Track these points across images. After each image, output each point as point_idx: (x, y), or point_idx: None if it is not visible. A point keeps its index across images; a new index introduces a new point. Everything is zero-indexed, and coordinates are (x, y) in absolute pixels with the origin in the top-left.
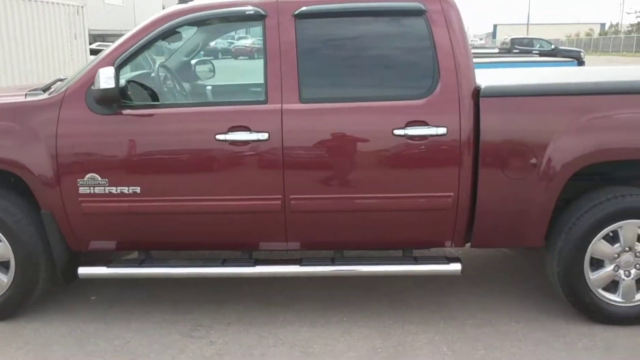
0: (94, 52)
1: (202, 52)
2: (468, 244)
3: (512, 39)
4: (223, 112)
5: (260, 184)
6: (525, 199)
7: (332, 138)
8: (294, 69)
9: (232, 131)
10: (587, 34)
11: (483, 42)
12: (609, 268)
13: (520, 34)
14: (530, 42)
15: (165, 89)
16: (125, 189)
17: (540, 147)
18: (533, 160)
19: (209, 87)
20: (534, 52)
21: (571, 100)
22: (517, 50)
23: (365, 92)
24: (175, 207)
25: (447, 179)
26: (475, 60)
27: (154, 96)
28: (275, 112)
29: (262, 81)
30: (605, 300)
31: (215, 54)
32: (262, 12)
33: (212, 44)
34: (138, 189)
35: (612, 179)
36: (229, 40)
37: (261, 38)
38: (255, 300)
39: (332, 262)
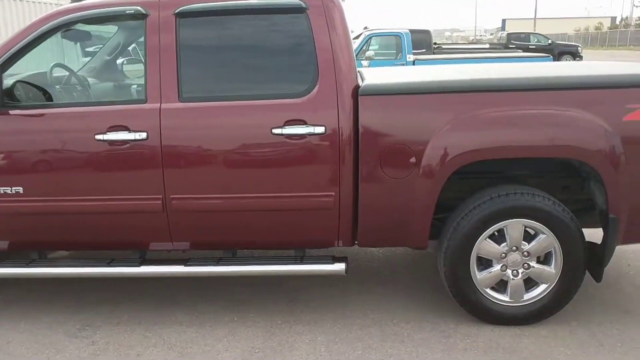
0: None
1: (98, 52)
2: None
3: (508, 34)
4: (103, 112)
5: (140, 183)
6: (407, 198)
7: (211, 137)
8: (173, 68)
9: (110, 131)
10: (597, 28)
11: (492, 37)
12: (496, 268)
13: (529, 28)
14: (527, 37)
15: (56, 89)
16: (8, 190)
17: (419, 146)
18: (412, 159)
19: (97, 87)
20: (530, 47)
21: (448, 98)
22: (513, 46)
23: (245, 91)
24: (59, 207)
25: (327, 179)
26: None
27: (42, 96)
28: (154, 112)
29: (142, 81)
30: (493, 300)
31: (113, 52)
32: (143, 11)
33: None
34: (21, 189)
35: (509, 177)
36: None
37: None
38: (155, 300)
39: (218, 262)
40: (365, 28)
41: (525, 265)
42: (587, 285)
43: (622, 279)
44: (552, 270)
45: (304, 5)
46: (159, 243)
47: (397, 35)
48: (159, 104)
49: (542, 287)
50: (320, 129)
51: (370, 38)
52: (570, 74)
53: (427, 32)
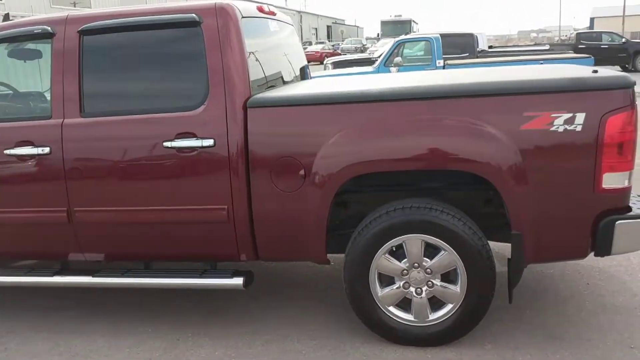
0: None
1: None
2: None
3: (578, 34)
4: (11, 128)
5: (46, 196)
6: (301, 211)
7: (109, 151)
8: (76, 84)
9: (18, 146)
10: None
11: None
12: (398, 285)
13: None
14: (599, 36)
15: None
16: None
17: (308, 159)
18: (302, 172)
19: (10, 104)
20: (601, 46)
21: (335, 110)
22: (583, 46)
23: (142, 104)
24: None
25: (219, 192)
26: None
27: None
28: (57, 127)
29: (49, 98)
30: (396, 319)
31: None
32: (50, 31)
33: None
34: None
35: (427, 190)
36: None
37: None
38: (82, 309)
39: (123, 274)
40: (378, 35)
41: (430, 283)
42: (521, 305)
43: (570, 300)
44: (457, 289)
45: (197, 19)
46: (73, 254)
47: (427, 40)
48: (62, 119)
49: (448, 307)
50: (209, 142)
51: (400, 44)
52: (470, 82)
53: (470, 36)
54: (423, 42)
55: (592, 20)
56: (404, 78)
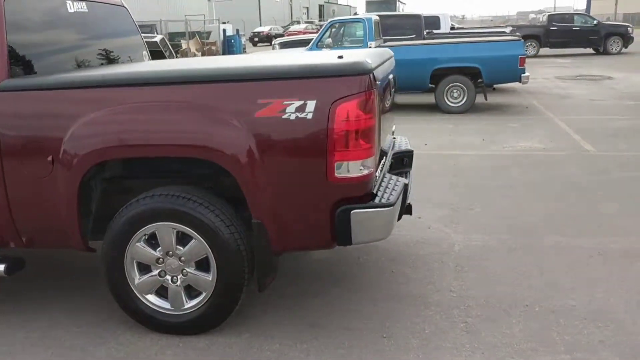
0: None
1: None
2: None
3: (550, 16)
4: None
5: None
6: (53, 198)
7: None
8: None
9: None
10: None
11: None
12: (154, 273)
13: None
14: (571, 17)
15: None
16: None
17: (54, 145)
18: (49, 158)
19: None
20: (573, 28)
21: (81, 94)
22: (554, 28)
23: None
24: None
25: None
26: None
27: None
28: None
29: None
30: (153, 307)
31: None
32: None
33: None
34: None
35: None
36: None
37: None
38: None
39: None
40: (355, 14)
41: (185, 271)
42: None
43: (360, 288)
44: (209, 278)
45: None
46: None
47: (359, 22)
48: None
49: (202, 295)
50: None
51: (332, 25)
52: (206, 67)
53: (418, 17)
54: (355, 24)
55: (588, 1)
56: (177, 63)
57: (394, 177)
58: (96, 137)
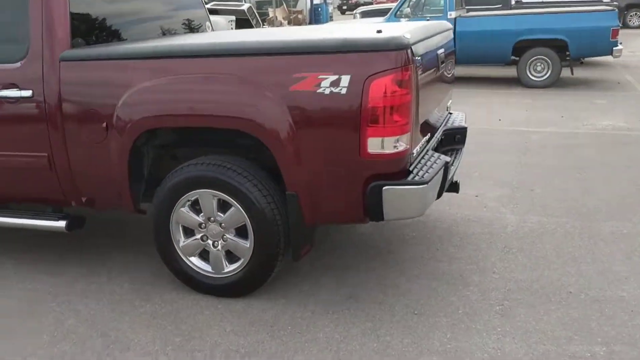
0: (211, 11)
1: None
2: None
3: None
4: None
5: None
6: (108, 162)
7: None
8: None
9: None
10: None
11: None
12: (197, 237)
13: None
14: None
15: None
16: None
17: (108, 112)
18: (104, 125)
19: None
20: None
21: (131, 65)
22: None
23: None
24: None
25: (39, 140)
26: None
27: None
28: None
29: None
30: (196, 269)
31: None
32: None
33: None
34: None
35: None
36: None
37: None
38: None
39: None
40: None
41: (225, 237)
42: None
43: (387, 263)
44: (247, 245)
45: None
46: None
47: None
48: None
49: (241, 261)
50: (27, 93)
51: None
52: (240, 40)
53: None
54: None
55: None
56: (227, 35)
57: (435, 154)
58: (143, 106)
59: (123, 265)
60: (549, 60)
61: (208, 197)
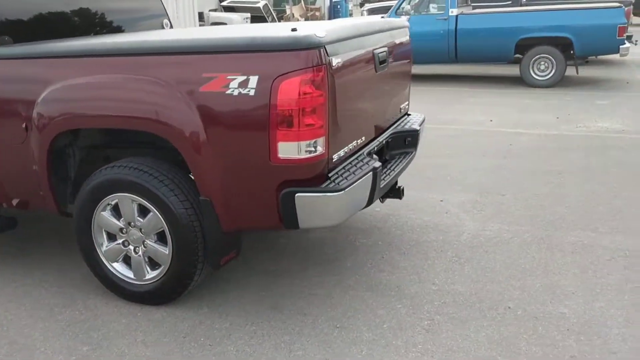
0: (228, 8)
1: None
2: None
3: None
4: None
5: None
6: (30, 164)
7: None
8: None
9: None
10: None
11: None
12: (119, 242)
13: None
14: None
15: None
16: None
17: (28, 112)
18: (24, 125)
19: None
20: None
21: (51, 64)
22: None
23: None
24: None
25: None
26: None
27: None
28: None
29: None
30: (120, 276)
31: None
32: None
33: None
34: None
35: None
36: None
37: None
38: None
39: None
40: None
41: (145, 242)
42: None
43: (325, 273)
44: (166, 251)
45: None
46: None
47: None
48: None
49: (161, 268)
50: None
51: None
52: (153, 39)
53: None
54: None
55: None
56: (153, 35)
57: (366, 159)
58: (57, 106)
59: (58, 268)
60: (553, 59)
61: (127, 201)
